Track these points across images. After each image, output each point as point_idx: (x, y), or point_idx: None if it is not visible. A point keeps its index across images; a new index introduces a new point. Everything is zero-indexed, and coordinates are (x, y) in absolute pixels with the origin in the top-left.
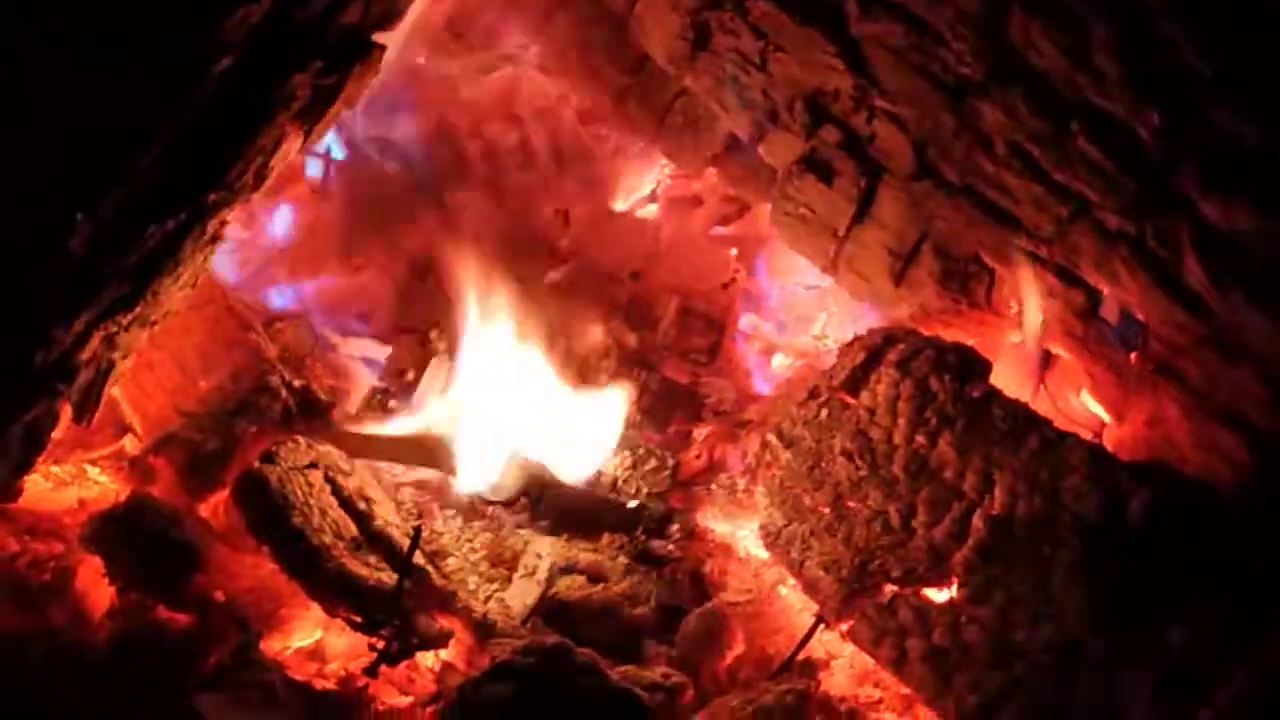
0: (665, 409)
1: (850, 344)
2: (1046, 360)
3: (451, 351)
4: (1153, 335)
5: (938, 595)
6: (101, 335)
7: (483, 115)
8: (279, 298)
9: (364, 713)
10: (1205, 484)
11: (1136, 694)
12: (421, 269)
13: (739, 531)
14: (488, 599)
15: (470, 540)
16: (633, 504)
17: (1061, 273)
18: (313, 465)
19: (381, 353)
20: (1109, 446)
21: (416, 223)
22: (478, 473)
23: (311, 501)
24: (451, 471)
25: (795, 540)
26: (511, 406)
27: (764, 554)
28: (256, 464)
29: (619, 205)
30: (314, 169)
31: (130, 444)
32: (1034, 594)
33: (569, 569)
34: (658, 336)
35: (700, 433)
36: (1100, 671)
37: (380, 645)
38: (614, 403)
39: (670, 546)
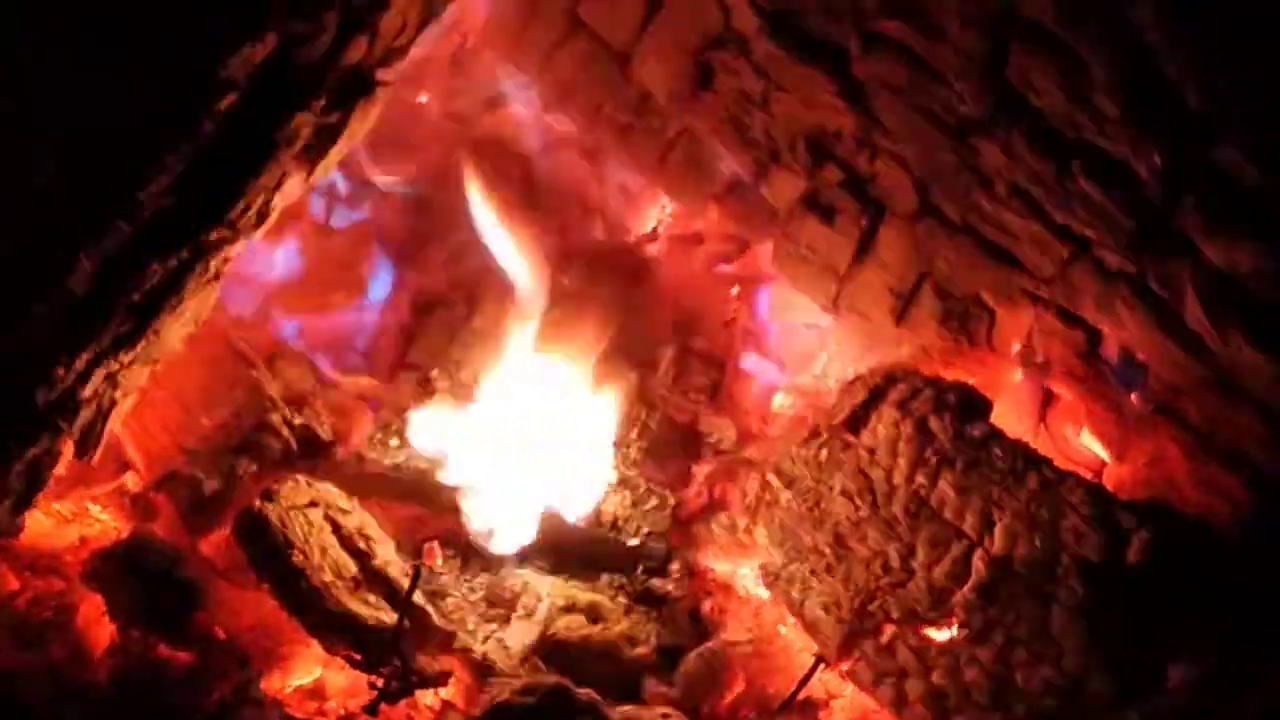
0: (666, 447)
1: (851, 383)
2: (1047, 400)
3: (457, 390)
4: (1153, 375)
5: (938, 635)
6: (104, 373)
7: (486, 153)
8: (281, 334)
9: None
10: (1205, 523)
11: None
12: (423, 306)
13: (739, 570)
14: (487, 638)
15: (469, 580)
16: (633, 543)
17: (1062, 313)
18: (313, 504)
19: (382, 391)
20: (1109, 486)
21: (420, 260)
22: (489, 520)
23: (311, 540)
24: (449, 510)
25: (795, 580)
26: (517, 446)
27: (764, 593)
28: (257, 502)
29: (621, 243)
30: (317, 205)
31: (132, 481)
32: (1034, 634)
33: (568, 609)
34: (658, 375)
35: (701, 471)
36: (1102, 711)
37: (380, 684)
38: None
39: (670, 586)
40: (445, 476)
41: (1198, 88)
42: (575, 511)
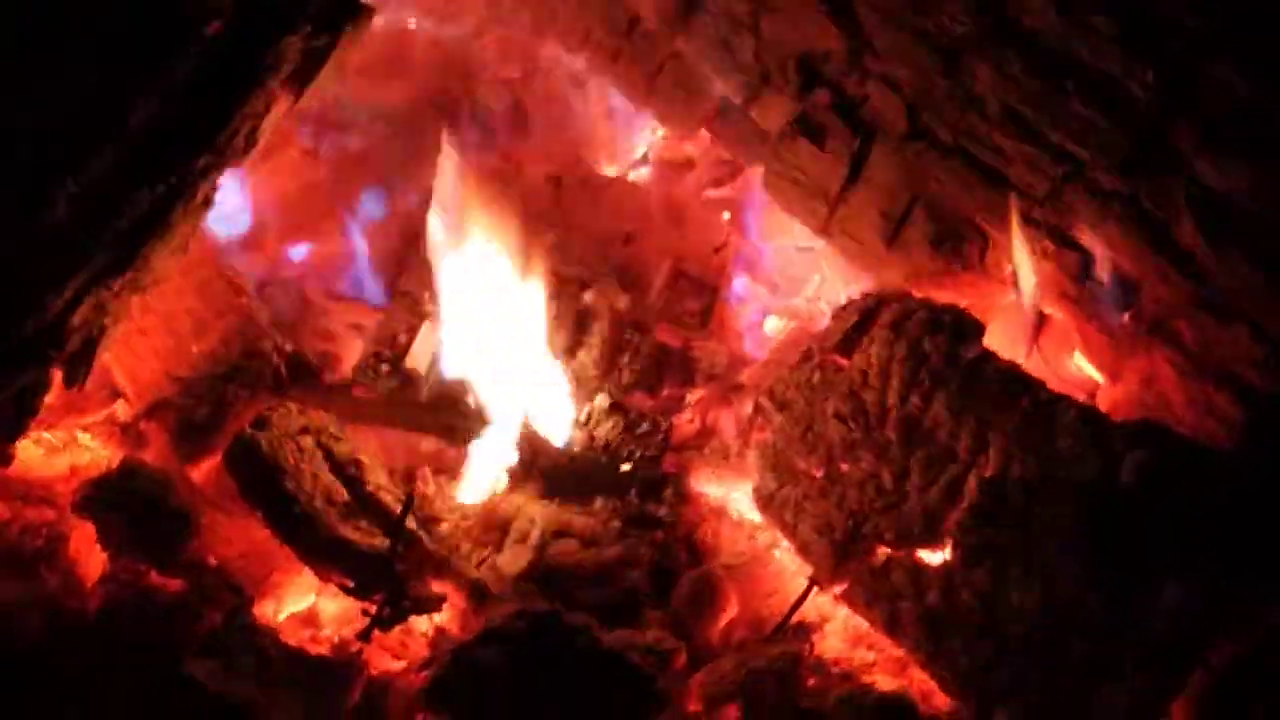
0: (658, 373)
1: (844, 307)
2: (1040, 322)
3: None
4: (1146, 296)
5: (931, 558)
6: (93, 301)
7: (474, 79)
8: (271, 261)
9: (357, 677)
10: (1199, 443)
11: (1131, 655)
12: (412, 233)
13: (732, 495)
14: (480, 564)
15: (462, 506)
16: (626, 468)
17: (1055, 234)
18: (305, 431)
19: (373, 317)
20: (1103, 407)
21: (406, 187)
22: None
23: (303, 467)
24: (445, 435)
25: (788, 503)
26: (501, 367)
27: (757, 517)
28: (248, 429)
29: (611, 169)
30: (306, 132)
31: (122, 409)
32: (1028, 556)
33: (562, 533)
34: (650, 300)
35: (693, 396)
36: (1094, 632)
37: (373, 610)
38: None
39: (663, 510)
40: (437, 399)
41: (1191, 4)
42: (561, 435)
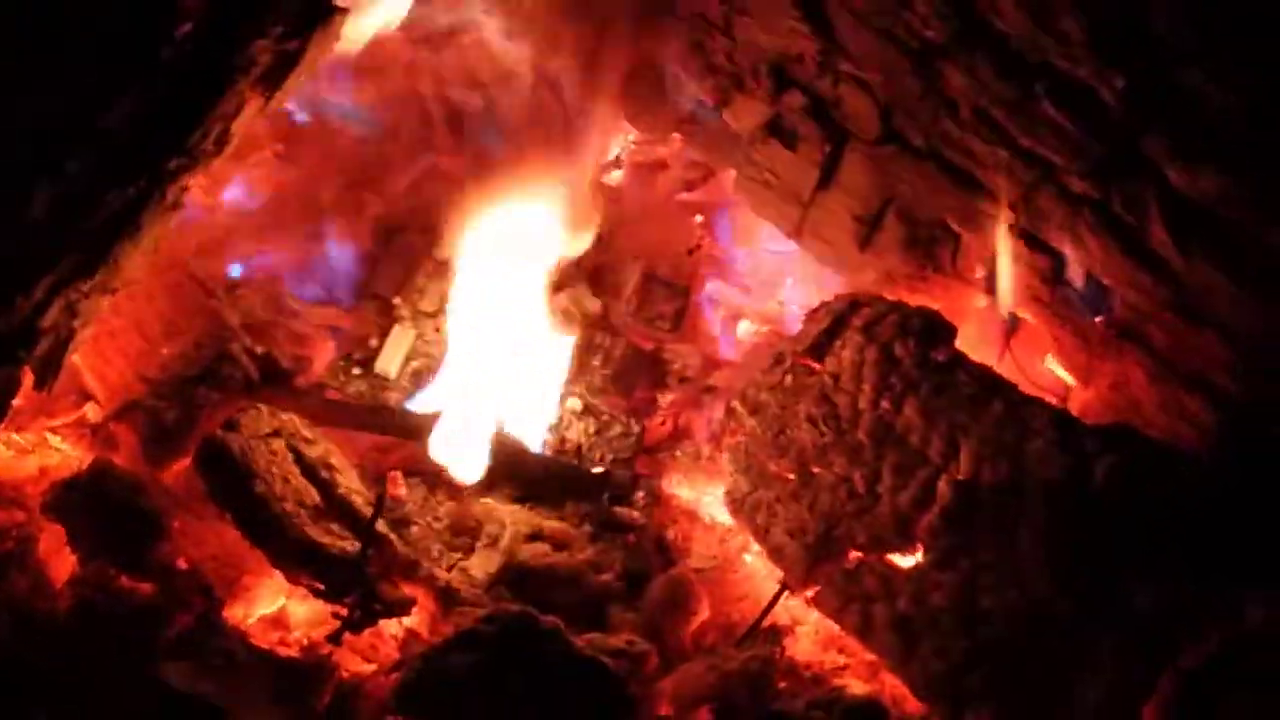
0: (630, 375)
1: (815, 310)
2: (1012, 325)
3: (418, 319)
4: (1117, 300)
5: (903, 561)
6: (62, 302)
7: (447, 80)
8: (242, 264)
9: (328, 680)
10: (1169, 447)
11: (1103, 657)
12: (385, 235)
13: (704, 498)
14: (451, 567)
15: (434, 508)
16: (597, 470)
17: (1026, 237)
18: (275, 433)
19: (344, 320)
20: (1074, 410)
21: (380, 189)
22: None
23: (274, 469)
24: (413, 438)
25: (760, 506)
26: (477, 373)
27: (729, 520)
28: (219, 432)
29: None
30: (277, 133)
31: (92, 412)
32: (1000, 559)
33: (533, 536)
34: (622, 303)
35: (665, 399)
36: (1066, 635)
37: (343, 613)
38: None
39: (635, 513)
40: (407, 404)
41: (1162, 8)
42: (535, 439)
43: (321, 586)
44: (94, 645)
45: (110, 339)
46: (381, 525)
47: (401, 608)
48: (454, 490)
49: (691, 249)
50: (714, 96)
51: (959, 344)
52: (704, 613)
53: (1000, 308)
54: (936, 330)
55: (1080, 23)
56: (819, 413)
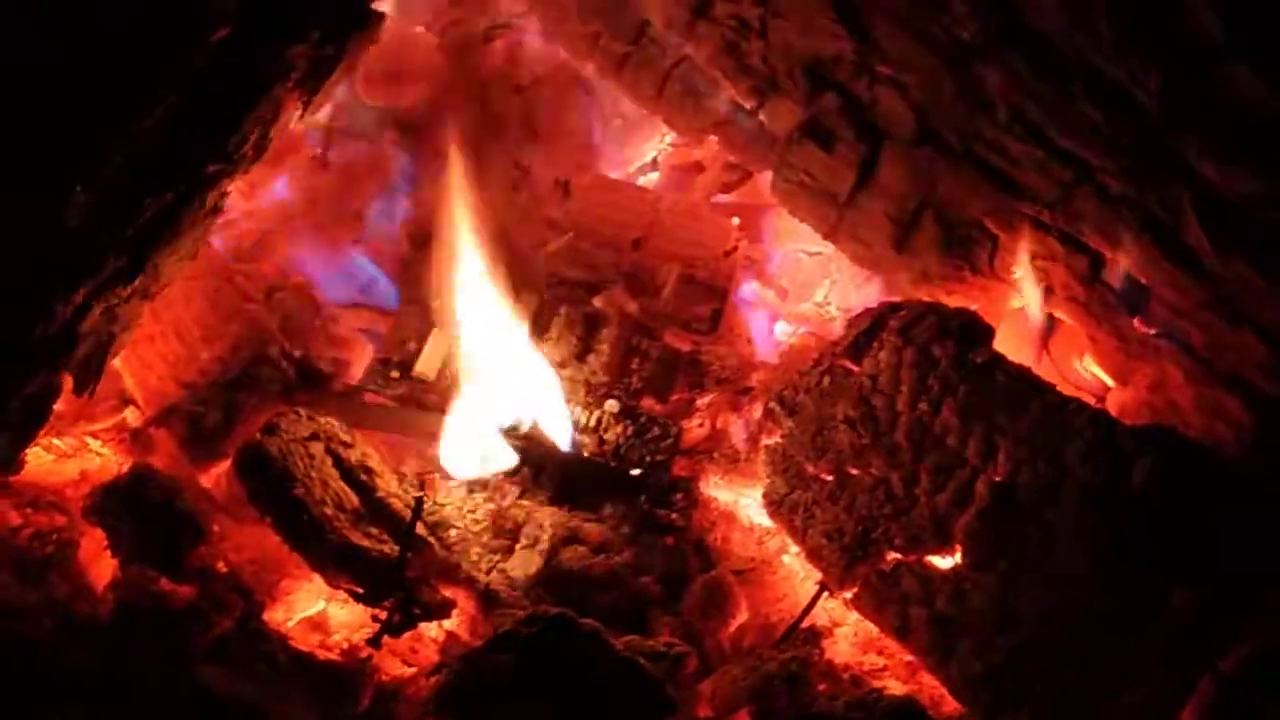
0: (667, 377)
1: (858, 314)
2: (1050, 326)
3: (446, 322)
4: (1155, 299)
5: (941, 562)
6: (101, 307)
7: (483, 83)
8: (280, 267)
9: (367, 683)
10: (1208, 448)
11: (1141, 660)
12: (422, 239)
13: (742, 500)
14: (490, 569)
15: (472, 511)
16: (635, 473)
17: (1064, 237)
18: (314, 437)
19: (383, 324)
20: (1112, 411)
21: (416, 192)
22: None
23: (313, 473)
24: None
25: (798, 508)
26: (506, 379)
27: (767, 522)
28: (258, 436)
29: (619, 173)
30: (314, 139)
31: (132, 416)
32: (1038, 560)
33: (572, 539)
34: (659, 305)
35: (703, 401)
36: (1105, 637)
37: (383, 616)
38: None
39: (673, 515)
40: (447, 408)
41: (1200, 6)
42: (564, 439)
43: (361, 590)
44: (134, 648)
45: (149, 344)
46: (421, 528)
47: (441, 611)
48: (493, 493)
49: (728, 250)
50: (750, 98)
51: (997, 344)
52: (743, 615)
53: (1029, 310)
54: (974, 331)
55: (1113, 21)
56: (856, 414)
